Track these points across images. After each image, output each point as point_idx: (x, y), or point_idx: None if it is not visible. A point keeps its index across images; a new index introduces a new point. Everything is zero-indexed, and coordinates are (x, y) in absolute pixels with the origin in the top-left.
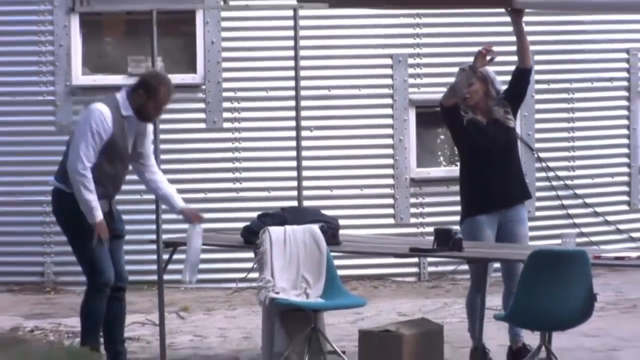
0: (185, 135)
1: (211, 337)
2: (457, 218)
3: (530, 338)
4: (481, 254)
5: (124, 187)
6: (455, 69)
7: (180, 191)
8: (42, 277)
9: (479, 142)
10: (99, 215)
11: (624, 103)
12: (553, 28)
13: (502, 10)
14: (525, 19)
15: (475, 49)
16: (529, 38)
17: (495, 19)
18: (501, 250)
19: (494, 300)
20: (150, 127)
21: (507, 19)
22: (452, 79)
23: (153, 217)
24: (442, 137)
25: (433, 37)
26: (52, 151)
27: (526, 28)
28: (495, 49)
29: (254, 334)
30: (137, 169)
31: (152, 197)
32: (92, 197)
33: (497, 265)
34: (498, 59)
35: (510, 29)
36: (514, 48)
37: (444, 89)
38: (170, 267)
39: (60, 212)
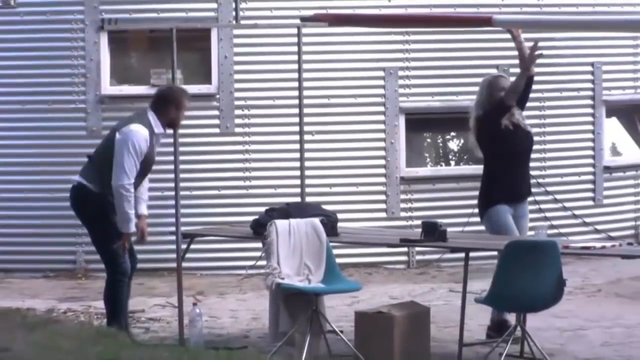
0: (201, 139)
1: (224, 317)
2: (442, 212)
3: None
4: (463, 243)
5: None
6: (441, 80)
7: (196, 188)
8: (74, 264)
9: (512, 144)
10: (132, 227)
11: (589, 111)
12: (527, 44)
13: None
14: (499, 36)
15: (460, 62)
16: (506, 53)
17: (477, 36)
18: (482, 241)
19: (474, 285)
20: None
21: (487, 34)
22: (439, 89)
23: (173, 211)
24: (428, 140)
25: (421, 51)
26: (83, 153)
27: (501, 44)
28: (476, 62)
29: (262, 316)
30: None
31: (172, 193)
32: (132, 211)
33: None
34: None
35: (490, 44)
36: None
37: (431, 98)
38: (188, 255)
39: (85, 208)
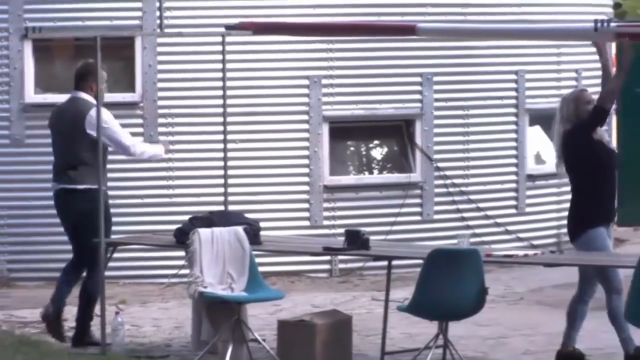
0: None
1: (146, 326)
2: (365, 220)
3: (429, 327)
4: (385, 252)
5: None
6: (365, 89)
7: (119, 197)
8: None
9: (606, 159)
10: (158, 148)
11: (513, 119)
12: (451, 52)
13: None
14: (423, 44)
15: (384, 70)
16: (430, 61)
17: (400, 44)
18: (404, 249)
19: (397, 294)
20: None
21: (411, 43)
22: (363, 97)
23: None
24: (352, 149)
25: (344, 60)
26: (7, 162)
27: (424, 53)
28: (400, 71)
29: (185, 324)
30: None
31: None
32: (149, 148)
33: (399, 262)
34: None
35: (413, 52)
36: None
37: (355, 107)
38: (111, 264)
39: (71, 210)
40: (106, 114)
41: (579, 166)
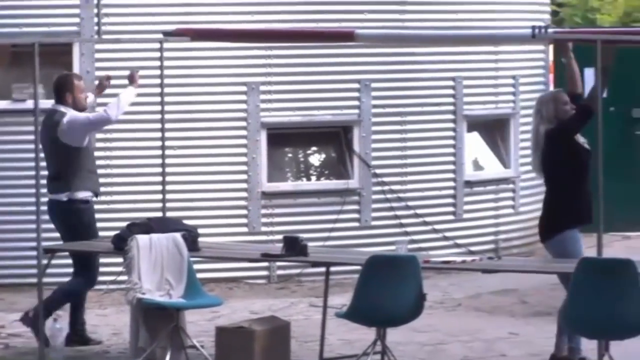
0: None
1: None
2: (303, 227)
3: (368, 333)
4: (323, 258)
5: (7, 200)
6: (303, 95)
7: None
8: None
9: (585, 160)
10: (127, 92)
11: (451, 125)
12: (389, 59)
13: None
14: (360, 51)
15: (321, 77)
16: (368, 68)
17: (337, 51)
18: (342, 255)
19: (335, 300)
20: None
21: (348, 49)
22: (300, 104)
23: (34, 226)
24: (290, 155)
25: (282, 67)
26: None
27: (362, 59)
28: (337, 77)
29: (123, 331)
30: None
31: (33, 208)
32: (122, 100)
33: (337, 268)
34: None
35: (351, 59)
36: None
37: (292, 113)
38: (49, 270)
39: (56, 220)
40: (69, 115)
41: (560, 166)
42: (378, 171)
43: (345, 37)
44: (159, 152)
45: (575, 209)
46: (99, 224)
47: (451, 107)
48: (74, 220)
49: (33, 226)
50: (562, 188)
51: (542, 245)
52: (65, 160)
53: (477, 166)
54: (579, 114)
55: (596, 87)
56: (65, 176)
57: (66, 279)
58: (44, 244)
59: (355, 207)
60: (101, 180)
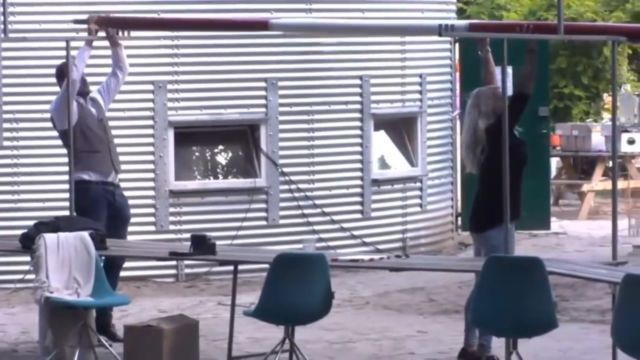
0: None
1: None
2: (211, 225)
3: (276, 331)
4: (232, 256)
5: None
6: (210, 94)
7: None
8: None
9: (524, 148)
10: (83, 48)
11: (358, 124)
12: (296, 57)
13: (251, 37)
14: (272, 49)
15: (228, 75)
16: (274, 66)
17: (244, 49)
18: (250, 254)
19: (243, 298)
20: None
21: (255, 48)
22: (208, 102)
23: None
24: (197, 154)
25: (189, 65)
26: None
27: (271, 57)
28: (245, 76)
29: (32, 330)
30: None
31: None
32: (77, 57)
33: (246, 267)
34: None
35: (258, 58)
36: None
37: (200, 112)
38: None
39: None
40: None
41: (501, 161)
42: (285, 170)
43: (260, 26)
44: (66, 151)
45: (514, 202)
46: (6, 223)
47: (358, 106)
48: (78, 202)
49: None
50: (504, 182)
51: (448, 243)
52: (65, 145)
53: (384, 165)
54: (516, 101)
55: (527, 72)
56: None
57: None
58: None
59: (263, 205)
60: (8, 179)
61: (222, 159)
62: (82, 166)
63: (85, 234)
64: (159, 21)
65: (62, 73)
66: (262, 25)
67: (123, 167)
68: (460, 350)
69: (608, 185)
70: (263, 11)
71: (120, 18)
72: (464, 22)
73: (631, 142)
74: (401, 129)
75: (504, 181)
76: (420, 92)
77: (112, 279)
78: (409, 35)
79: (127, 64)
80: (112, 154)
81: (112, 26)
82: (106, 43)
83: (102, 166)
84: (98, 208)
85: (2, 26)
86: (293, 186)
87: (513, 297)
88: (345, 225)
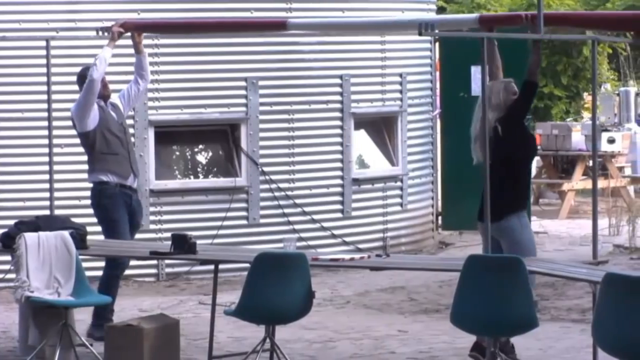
0: None
1: None
2: (192, 224)
3: (257, 330)
4: (212, 255)
5: None
6: (190, 93)
7: None
8: None
9: (533, 140)
10: (104, 52)
11: (338, 123)
12: (276, 57)
13: (231, 36)
14: (252, 49)
15: (208, 75)
16: (255, 65)
17: (224, 49)
18: (231, 253)
19: (224, 297)
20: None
21: (233, 47)
22: (188, 102)
23: None
24: (177, 153)
25: (169, 64)
26: None
27: (251, 57)
28: (224, 75)
29: (12, 329)
30: None
31: None
32: (98, 58)
33: (226, 266)
34: None
35: (237, 57)
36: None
37: (180, 111)
38: None
39: (95, 206)
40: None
41: (515, 153)
42: (266, 169)
43: (278, 26)
44: (47, 150)
45: (524, 193)
46: None
47: (339, 105)
48: (97, 202)
49: None
50: (516, 171)
51: (428, 242)
52: (84, 146)
53: (364, 164)
54: (526, 89)
55: (533, 61)
56: (88, 163)
57: None
58: None
59: (243, 204)
60: None
61: (202, 158)
62: (100, 167)
63: (66, 233)
64: (177, 24)
65: (83, 77)
66: (281, 25)
67: None
68: (473, 343)
69: (588, 184)
70: (242, 10)
71: (145, 22)
72: (473, 16)
73: (611, 141)
74: (381, 128)
75: (520, 171)
76: (400, 92)
77: (114, 279)
78: (392, 31)
79: (149, 72)
80: (132, 158)
81: (139, 31)
82: (131, 50)
83: (120, 169)
84: (117, 206)
85: None
86: (273, 185)
87: (494, 296)
88: (325, 224)
